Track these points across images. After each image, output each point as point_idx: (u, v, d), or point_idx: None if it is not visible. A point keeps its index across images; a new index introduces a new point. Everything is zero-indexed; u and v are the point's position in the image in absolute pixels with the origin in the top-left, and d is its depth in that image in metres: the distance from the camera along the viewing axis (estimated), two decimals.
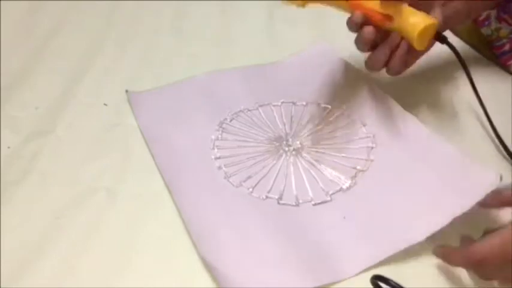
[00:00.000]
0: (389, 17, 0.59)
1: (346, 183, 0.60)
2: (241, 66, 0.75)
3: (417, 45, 0.59)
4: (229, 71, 0.75)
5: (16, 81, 0.74)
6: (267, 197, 0.59)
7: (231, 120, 0.68)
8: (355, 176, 0.60)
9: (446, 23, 0.63)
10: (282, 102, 0.70)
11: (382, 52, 0.61)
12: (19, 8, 0.88)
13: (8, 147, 0.64)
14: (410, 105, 0.67)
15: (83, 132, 0.66)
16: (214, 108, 0.69)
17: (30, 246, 0.54)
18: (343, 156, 0.63)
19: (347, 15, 0.61)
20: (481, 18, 0.75)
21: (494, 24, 0.75)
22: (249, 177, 0.61)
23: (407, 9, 0.59)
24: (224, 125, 0.67)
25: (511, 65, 0.74)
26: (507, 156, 0.62)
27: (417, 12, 0.60)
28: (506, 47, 0.74)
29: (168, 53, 0.80)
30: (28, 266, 0.52)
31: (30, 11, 0.87)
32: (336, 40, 0.80)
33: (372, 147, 0.63)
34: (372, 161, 0.62)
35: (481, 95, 0.66)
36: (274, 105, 0.70)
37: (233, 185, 0.60)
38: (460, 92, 0.70)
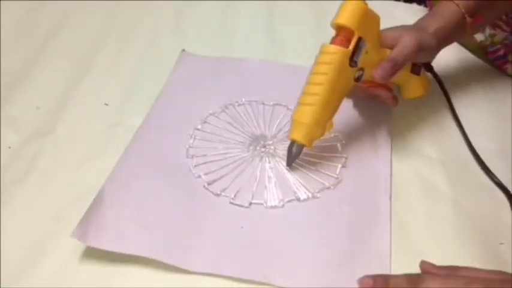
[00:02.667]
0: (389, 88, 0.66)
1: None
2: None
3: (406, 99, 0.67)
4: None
5: (16, 81, 0.74)
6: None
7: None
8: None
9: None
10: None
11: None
12: (19, 8, 0.88)
13: (9, 147, 0.64)
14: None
15: (83, 132, 0.66)
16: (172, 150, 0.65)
17: (30, 246, 0.54)
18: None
19: None
20: None
21: (488, 31, 0.75)
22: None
23: (408, 74, 0.65)
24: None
25: (506, 69, 0.75)
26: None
27: (417, 78, 0.65)
28: (501, 52, 0.75)
29: (168, 53, 0.80)
30: (28, 266, 0.53)
31: (30, 11, 0.87)
32: None
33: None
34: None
35: (476, 96, 0.67)
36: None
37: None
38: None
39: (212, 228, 0.56)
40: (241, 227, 0.56)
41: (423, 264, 0.49)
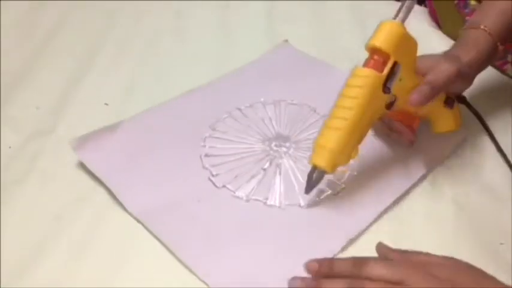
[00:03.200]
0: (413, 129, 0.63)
1: (334, 189, 0.59)
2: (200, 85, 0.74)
3: (436, 133, 0.64)
4: (193, 92, 0.72)
5: (17, 81, 0.74)
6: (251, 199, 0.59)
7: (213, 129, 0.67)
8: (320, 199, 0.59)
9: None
10: (264, 102, 0.71)
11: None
12: (19, 8, 0.88)
13: (9, 147, 0.64)
14: None
15: (83, 131, 0.65)
16: (190, 130, 0.67)
17: (30, 246, 0.54)
18: None
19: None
20: None
21: None
22: (236, 177, 0.61)
23: (441, 106, 0.61)
24: (209, 138, 0.66)
25: (506, 69, 0.75)
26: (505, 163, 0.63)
27: (449, 112, 0.61)
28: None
29: (168, 53, 0.80)
30: (28, 266, 0.52)
31: (30, 11, 0.87)
32: (335, 38, 0.81)
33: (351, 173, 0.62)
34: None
35: (479, 97, 0.67)
36: (256, 106, 0.70)
37: (216, 186, 0.60)
38: None
39: (203, 213, 0.57)
40: (198, 201, 0.58)
41: (379, 246, 0.50)
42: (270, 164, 0.63)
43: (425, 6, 0.90)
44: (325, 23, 0.85)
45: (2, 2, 0.87)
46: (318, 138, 0.56)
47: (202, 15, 0.88)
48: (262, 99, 0.71)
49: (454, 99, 0.62)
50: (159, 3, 0.90)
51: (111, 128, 0.65)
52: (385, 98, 0.56)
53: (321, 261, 0.50)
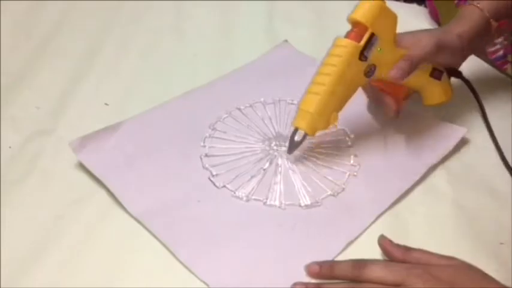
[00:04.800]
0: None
1: (308, 202, 0.59)
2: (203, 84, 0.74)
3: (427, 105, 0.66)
4: (193, 92, 0.72)
5: (17, 81, 0.74)
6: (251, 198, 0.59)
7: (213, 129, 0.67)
8: (321, 199, 0.59)
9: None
10: (265, 102, 0.71)
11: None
12: (19, 8, 0.88)
13: (9, 147, 0.64)
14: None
15: (83, 131, 0.65)
16: (190, 130, 0.67)
17: (30, 246, 0.54)
18: (327, 165, 0.63)
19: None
20: None
21: None
22: (236, 177, 0.61)
23: (429, 78, 0.63)
24: (208, 139, 0.66)
25: (506, 69, 0.75)
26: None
27: (438, 83, 0.64)
28: (500, 53, 0.75)
29: (168, 53, 0.80)
30: (28, 266, 0.52)
31: (30, 11, 0.87)
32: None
33: (355, 156, 0.63)
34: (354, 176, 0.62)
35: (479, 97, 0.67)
36: (256, 106, 0.70)
37: (216, 186, 0.60)
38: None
39: (203, 213, 0.57)
40: (198, 201, 0.58)
41: (382, 239, 0.53)
42: (270, 163, 0.63)
43: (425, 6, 0.90)
44: (325, 23, 0.85)
45: (2, 2, 0.87)
46: (300, 103, 0.60)
47: (203, 15, 0.88)
48: (262, 99, 0.71)
49: (442, 70, 0.64)
50: (159, 3, 0.90)
51: (111, 129, 0.65)
52: (363, 66, 0.59)
53: (321, 264, 0.51)
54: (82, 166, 0.62)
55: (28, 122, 0.68)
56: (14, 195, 0.59)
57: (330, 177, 0.61)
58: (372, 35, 0.59)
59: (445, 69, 0.64)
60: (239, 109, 0.70)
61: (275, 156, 0.64)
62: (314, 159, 0.63)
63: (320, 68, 0.60)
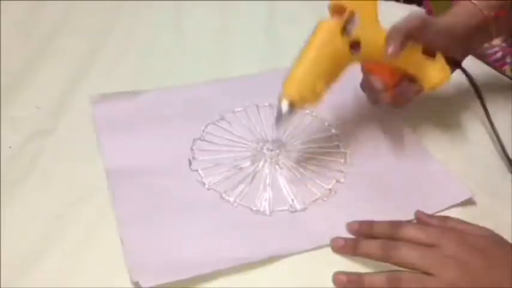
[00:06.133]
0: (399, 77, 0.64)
1: (298, 207, 0.59)
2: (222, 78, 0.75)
3: (428, 91, 0.64)
4: (205, 84, 0.74)
5: (17, 81, 0.74)
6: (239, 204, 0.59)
7: (206, 126, 0.68)
8: (331, 189, 0.60)
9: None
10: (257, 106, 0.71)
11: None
12: (19, 8, 0.88)
13: (9, 147, 0.64)
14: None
15: (83, 131, 0.66)
16: (197, 115, 0.69)
17: (30, 246, 0.54)
18: (317, 170, 0.63)
19: None
20: None
21: None
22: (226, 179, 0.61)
23: (422, 58, 0.62)
24: (203, 133, 0.67)
25: (505, 70, 0.75)
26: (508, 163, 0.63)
27: (432, 62, 0.63)
28: (499, 55, 0.75)
29: (169, 53, 0.80)
30: (28, 266, 0.52)
31: (30, 11, 0.87)
32: None
33: (346, 162, 0.63)
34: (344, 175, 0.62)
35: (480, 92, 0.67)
36: (251, 108, 0.70)
37: (205, 188, 0.60)
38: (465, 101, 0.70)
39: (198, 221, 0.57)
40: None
41: (417, 213, 0.55)
42: (260, 166, 0.62)
43: (423, 7, 0.90)
44: None
45: (2, 2, 0.87)
46: (287, 77, 0.59)
47: (203, 15, 0.88)
48: (257, 103, 0.71)
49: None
50: (159, 3, 0.90)
51: (129, 95, 0.70)
52: (346, 41, 0.60)
53: (361, 222, 0.54)
54: (82, 165, 0.62)
55: (28, 122, 0.68)
56: (14, 195, 0.59)
57: (318, 180, 0.61)
58: (352, 13, 0.59)
59: (444, 58, 0.63)
60: (234, 111, 0.70)
61: (266, 160, 0.63)
62: (303, 163, 0.63)
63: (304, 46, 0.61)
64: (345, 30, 0.59)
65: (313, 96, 0.59)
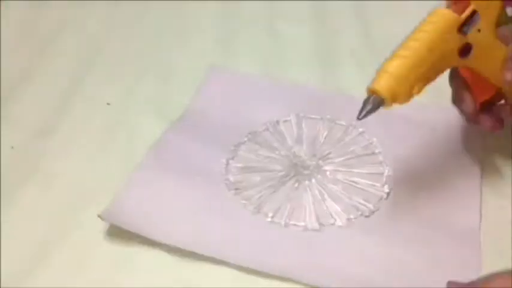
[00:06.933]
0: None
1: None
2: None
3: None
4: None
5: (18, 81, 0.74)
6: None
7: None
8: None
9: None
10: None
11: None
12: (20, 8, 0.87)
13: (11, 147, 0.64)
14: None
15: (85, 132, 0.66)
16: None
17: (32, 246, 0.54)
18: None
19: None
20: None
21: None
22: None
23: None
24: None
25: None
26: None
27: None
28: None
29: (169, 53, 0.80)
30: (30, 267, 0.53)
31: (31, 11, 0.87)
32: (337, 39, 0.81)
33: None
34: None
35: None
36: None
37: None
38: None
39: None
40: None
41: (449, 284, 0.47)
42: (298, 183, 0.61)
43: None
44: (325, 23, 0.85)
45: (2, 2, 0.87)
46: (382, 66, 0.52)
47: (203, 15, 0.88)
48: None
49: None
50: (159, 3, 0.90)
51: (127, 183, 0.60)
52: (458, 41, 0.53)
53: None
54: (85, 166, 0.63)
55: (30, 122, 0.68)
56: (17, 196, 0.59)
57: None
58: (474, 12, 0.53)
59: None
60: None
61: (304, 177, 0.62)
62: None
63: (413, 32, 0.53)
64: (462, 28, 0.53)
65: (407, 97, 0.52)
